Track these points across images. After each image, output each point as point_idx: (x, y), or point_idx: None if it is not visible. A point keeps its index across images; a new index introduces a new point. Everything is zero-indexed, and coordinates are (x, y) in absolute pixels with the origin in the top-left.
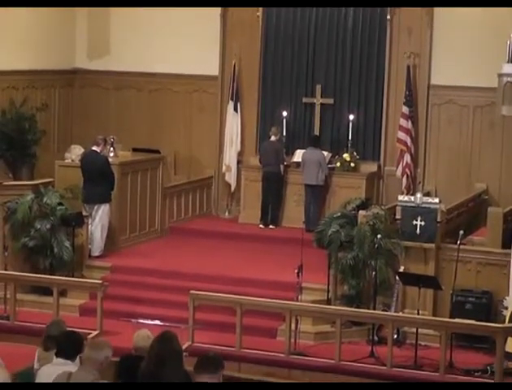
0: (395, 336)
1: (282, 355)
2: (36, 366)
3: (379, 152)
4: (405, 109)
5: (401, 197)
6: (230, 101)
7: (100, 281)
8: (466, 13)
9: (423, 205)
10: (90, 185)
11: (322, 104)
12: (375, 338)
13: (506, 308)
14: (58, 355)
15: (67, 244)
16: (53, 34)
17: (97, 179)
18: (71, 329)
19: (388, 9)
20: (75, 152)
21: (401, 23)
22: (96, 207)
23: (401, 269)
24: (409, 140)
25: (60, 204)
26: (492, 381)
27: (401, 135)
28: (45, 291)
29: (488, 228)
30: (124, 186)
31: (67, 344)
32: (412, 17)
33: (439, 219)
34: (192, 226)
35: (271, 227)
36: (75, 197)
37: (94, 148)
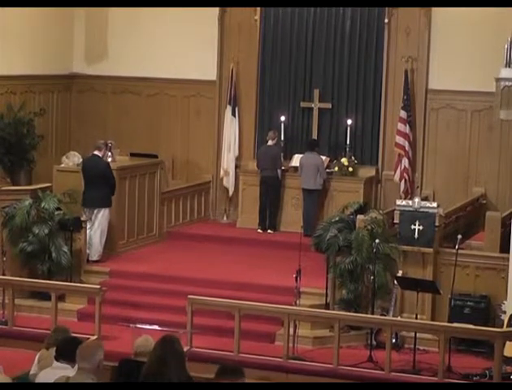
0: (393, 341)
1: (280, 360)
2: (33, 369)
3: (377, 156)
4: (402, 113)
5: (399, 202)
6: (228, 106)
7: (98, 286)
8: (463, 17)
9: (421, 210)
10: (91, 189)
11: (320, 108)
12: (374, 342)
13: (505, 312)
14: (58, 359)
15: (65, 249)
16: (51, 39)
17: (99, 184)
18: (73, 335)
19: (386, 12)
20: (74, 160)
21: (398, 27)
22: (96, 211)
23: (400, 273)
24: (407, 145)
25: (58, 209)
26: None
27: (399, 139)
28: (43, 296)
29: (486, 233)
30: (122, 191)
31: (68, 349)
32: (410, 21)
33: (437, 224)
34: (190, 231)
35: (269, 231)
36: (73, 202)
37: (96, 152)
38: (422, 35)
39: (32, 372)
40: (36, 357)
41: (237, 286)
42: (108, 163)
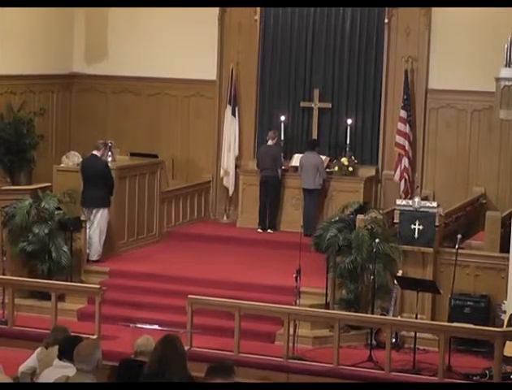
0: (393, 340)
1: (280, 359)
2: (26, 366)
3: (377, 156)
4: (402, 113)
5: (399, 201)
6: (228, 106)
7: (98, 286)
8: (463, 17)
9: (421, 210)
10: (90, 189)
11: (320, 108)
12: (374, 342)
13: (504, 312)
14: (60, 357)
15: (65, 248)
16: (51, 39)
17: (97, 184)
18: (74, 334)
19: (386, 12)
20: (74, 160)
21: (398, 27)
22: (94, 211)
23: (400, 273)
24: (407, 145)
25: (58, 208)
26: None
27: (399, 139)
28: (43, 295)
29: (486, 232)
30: (122, 190)
31: (71, 347)
32: (410, 21)
33: (437, 223)
34: (190, 230)
35: (269, 231)
36: (73, 202)
37: (95, 152)
38: (422, 35)
39: (23, 369)
40: (35, 354)
41: (237, 286)
42: (106, 163)
